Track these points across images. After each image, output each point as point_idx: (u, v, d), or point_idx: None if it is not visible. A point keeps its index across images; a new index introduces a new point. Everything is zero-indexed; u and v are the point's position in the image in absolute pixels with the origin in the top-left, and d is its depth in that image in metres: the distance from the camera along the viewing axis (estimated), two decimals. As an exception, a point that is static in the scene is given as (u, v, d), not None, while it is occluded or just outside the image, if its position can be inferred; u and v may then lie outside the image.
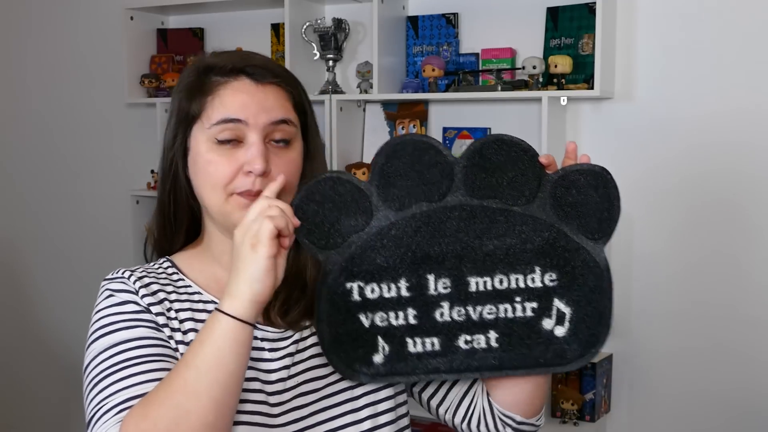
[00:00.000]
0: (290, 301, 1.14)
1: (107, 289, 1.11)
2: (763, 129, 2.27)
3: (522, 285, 1.07)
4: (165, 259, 1.18)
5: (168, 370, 1.01)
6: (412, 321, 1.07)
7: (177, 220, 1.18)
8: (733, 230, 2.32)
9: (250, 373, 1.08)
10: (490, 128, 2.60)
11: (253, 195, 1.07)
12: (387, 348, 1.07)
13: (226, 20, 3.00)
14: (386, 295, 1.06)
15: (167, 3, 2.91)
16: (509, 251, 1.06)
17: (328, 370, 1.13)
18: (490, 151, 1.05)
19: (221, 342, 0.96)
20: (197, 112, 1.11)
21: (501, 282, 1.07)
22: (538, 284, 1.07)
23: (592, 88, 2.30)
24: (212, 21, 3.04)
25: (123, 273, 1.12)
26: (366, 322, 1.06)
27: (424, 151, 1.05)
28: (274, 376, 1.11)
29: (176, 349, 1.08)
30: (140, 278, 1.11)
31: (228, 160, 1.08)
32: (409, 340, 1.07)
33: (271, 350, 1.12)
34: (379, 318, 1.07)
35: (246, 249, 0.97)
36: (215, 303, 1.11)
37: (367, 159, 2.76)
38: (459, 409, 1.22)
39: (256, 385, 1.09)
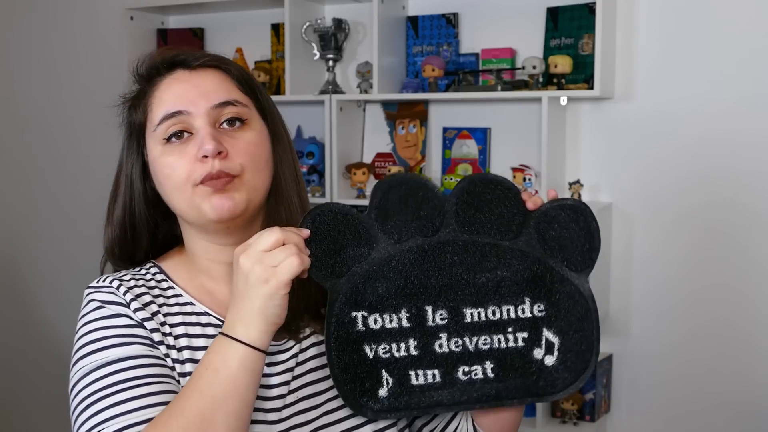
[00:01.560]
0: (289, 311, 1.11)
1: (94, 300, 1.05)
2: (764, 129, 2.27)
3: (513, 315, 1.11)
4: (152, 264, 1.13)
5: (166, 392, 0.97)
6: (413, 352, 1.09)
7: (135, 237, 1.13)
8: (733, 230, 2.32)
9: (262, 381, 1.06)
10: (490, 128, 2.60)
11: (214, 177, 1.03)
12: (391, 381, 1.09)
13: (226, 20, 3.00)
14: (388, 325, 1.08)
15: (167, 3, 2.91)
16: (500, 283, 1.10)
17: (328, 384, 1.11)
18: (477, 189, 1.09)
19: (237, 371, 0.93)
20: (142, 119, 1.08)
21: (494, 313, 1.10)
22: (528, 315, 1.11)
23: (592, 88, 2.30)
24: (212, 21, 3.04)
25: (111, 282, 1.06)
26: (370, 354, 1.08)
27: (417, 189, 1.08)
28: (273, 392, 1.07)
29: (173, 368, 1.03)
30: (130, 288, 1.05)
31: (181, 156, 1.04)
32: (411, 373, 1.09)
33: (269, 365, 1.08)
34: (382, 349, 1.08)
35: (259, 280, 0.93)
36: (209, 315, 1.08)
37: (367, 159, 2.76)
38: (446, 431, 1.20)
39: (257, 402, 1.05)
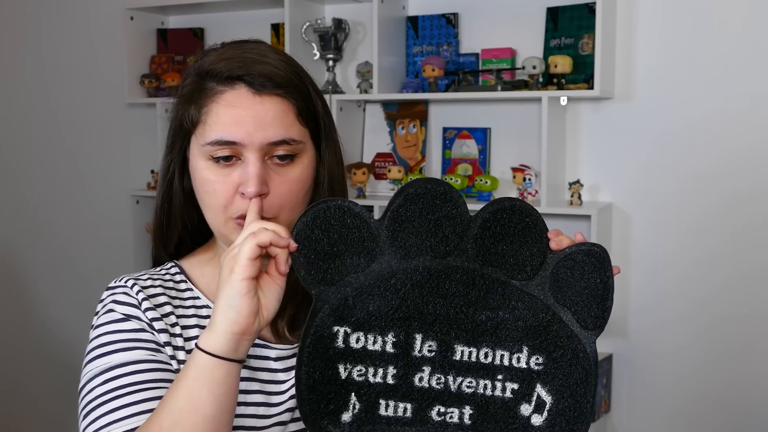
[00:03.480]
0: (299, 314, 1.10)
1: (110, 302, 1.06)
2: (764, 129, 2.27)
3: (506, 362, 1.01)
4: (173, 264, 1.13)
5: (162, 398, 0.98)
6: (390, 381, 1.00)
7: (170, 227, 1.13)
8: (733, 230, 2.32)
9: (259, 398, 1.06)
10: (490, 128, 2.60)
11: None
12: (358, 406, 0.99)
13: (226, 20, 3.00)
14: (370, 347, 0.99)
15: (167, 3, 2.91)
16: (500, 325, 1.01)
17: None
18: (504, 217, 1.00)
19: (194, 383, 0.89)
20: (193, 123, 1.04)
21: (486, 356, 1.01)
22: (523, 365, 1.01)
23: (592, 88, 2.30)
24: (212, 21, 3.04)
25: (126, 282, 1.06)
26: (343, 374, 0.98)
27: (444, 201, 0.99)
28: (286, 396, 1.07)
29: (177, 370, 1.02)
30: (145, 288, 1.06)
31: (224, 180, 1.01)
32: (381, 402, 1.00)
33: (285, 370, 1.08)
34: (357, 371, 0.99)
35: (225, 273, 0.90)
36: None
37: (367, 159, 2.76)
38: None
39: (272, 410, 1.06)
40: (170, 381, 1.00)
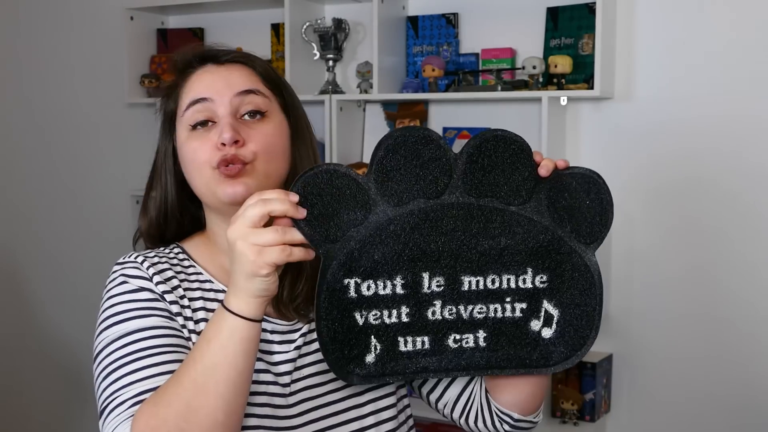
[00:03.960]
0: (298, 292, 1.15)
1: (121, 275, 1.11)
2: (764, 129, 2.27)
3: (513, 285, 1.07)
4: (175, 245, 1.19)
5: (180, 361, 1.02)
6: (405, 319, 1.06)
7: (168, 219, 1.20)
8: (734, 230, 2.32)
9: (261, 365, 1.10)
10: (489, 128, 2.59)
11: (229, 162, 1.08)
12: (379, 347, 1.06)
13: (226, 20, 3.00)
14: (381, 292, 1.05)
15: (167, 3, 2.91)
16: (503, 251, 1.06)
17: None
18: (489, 148, 1.05)
19: (227, 341, 0.96)
20: (174, 106, 1.16)
21: (493, 282, 1.07)
22: (529, 285, 1.08)
23: (592, 88, 2.30)
24: (212, 21, 3.04)
25: (136, 258, 1.12)
26: (360, 320, 1.05)
27: (425, 145, 1.03)
28: (282, 368, 1.13)
29: (189, 339, 1.08)
30: (154, 264, 1.12)
31: (203, 141, 1.11)
32: (400, 339, 1.06)
33: (280, 343, 1.13)
34: (372, 316, 1.05)
35: (242, 256, 0.95)
36: (223, 288, 1.14)
37: (367, 159, 2.76)
38: (457, 404, 1.23)
39: (269, 377, 1.11)
40: (185, 347, 1.06)
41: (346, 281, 1.03)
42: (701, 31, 2.32)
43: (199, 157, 1.11)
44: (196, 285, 1.14)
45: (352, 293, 1.04)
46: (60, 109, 3.32)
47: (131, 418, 0.96)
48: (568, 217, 1.07)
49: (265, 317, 1.11)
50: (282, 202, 0.97)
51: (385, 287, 1.05)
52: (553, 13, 2.47)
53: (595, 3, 2.31)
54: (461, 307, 1.07)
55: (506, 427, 1.21)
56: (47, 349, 3.44)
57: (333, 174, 1.02)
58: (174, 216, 1.19)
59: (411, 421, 1.25)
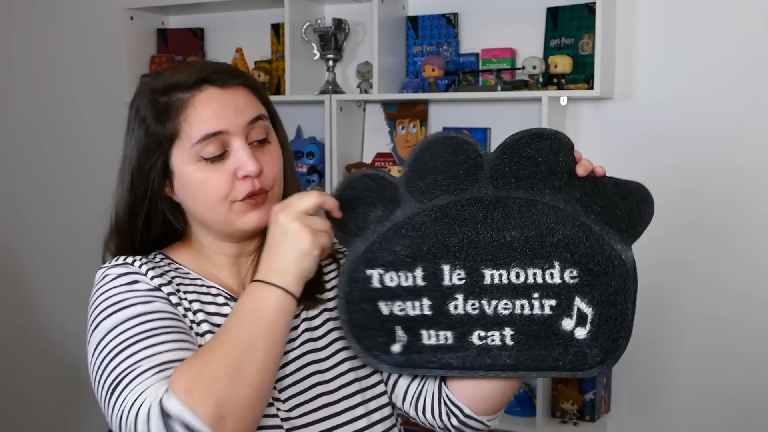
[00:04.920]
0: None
1: (110, 273, 1.11)
2: (764, 128, 2.27)
3: (540, 280, 1.04)
4: (156, 253, 1.18)
5: (193, 342, 1.04)
6: (427, 312, 1.06)
7: (149, 237, 1.17)
8: (734, 229, 2.32)
9: None
10: (490, 128, 2.60)
11: (257, 194, 1.10)
12: (405, 338, 1.07)
13: (226, 20, 3.00)
14: (403, 283, 1.06)
15: (167, 3, 2.91)
16: (528, 243, 1.03)
17: (325, 353, 1.15)
18: (524, 143, 1.05)
19: (274, 312, 1.01)
20: (172, 133, 1.10)
21: (518, 276, 1.04)
22: (557, 281, 1.03)
23: (592, 88, 2.30)
24: (212, 21, 3.04)
25: (125, 260, 1.12)
26: (386, 310, 1.07)
27: (454, 146, 1.05)
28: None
29: (191, 328, 1.08)
30: (145, 262, 1.12)
31: (219, 173, 1.09)
32: (423, 332, 1.07)
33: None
34: (397, 307, 1.07)
35: (298, 236, 1.02)
36: (217, 288, 1.15)
37: (367, 159, 2.76)
38: (407, 394, 1.22)
39: None
40: (189, 333, 1.06)
41: (368, 272, 1.07)
42: (701, 31, 2.32)
43: (216, 190, 1.10)
44: (188, 281, 1.14)
45: (376, 283, 1.07)
46: (60, 109, 3.32)
47: (164, 380, 0.97)
48: (602, 210, 1.03)
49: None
50: (332, 199, 1.07)
51: (407, 279, 1.07)
52: (553, 13, 2.47)
53: (595, 3, 2.31)
54: (484, 302, 1.05)
55: (454, 422, 1.19)
56: (47, 349, 3.44)
57: (371, 178, 1.07)
58: (156, 234, 1.18)
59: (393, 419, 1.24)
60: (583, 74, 2.39)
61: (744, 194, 2.30)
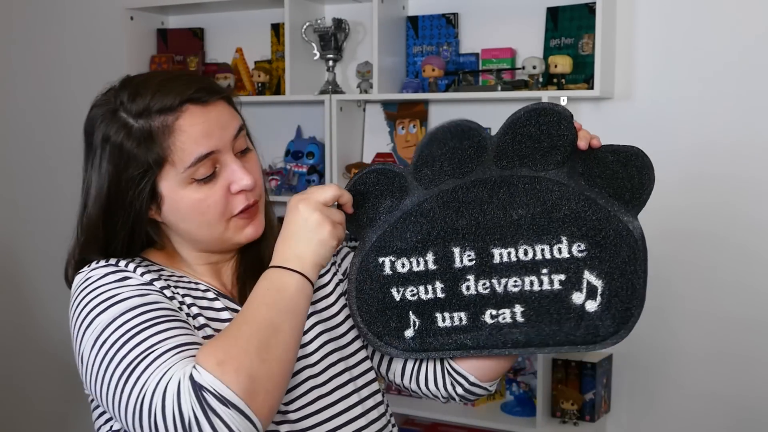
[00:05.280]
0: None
1: (97, 274, 1.06)
2: (764, 129, 2.27)
3: (548, 256, 1.04)
4: (131, 260, 1.13)
5: (195, 331, 1.04)
6: (440, 294, 1.07)
7: (129, 250, 1.13)
8: (734, 230, 2.32)
9: None
10: (489, 128, 2.59)
11: (252, 206, 1.11)
12: (418, 323, 1.08)
13: (226, 20, 3.00)
14: (415, 269, 1.08)
15: (167, 3, 2.90)
16: (534, 220, 1.04)
17: (312, 347, 1.14)
18: (524, 119, 1.07)
19: (296, 294, 1.02)
20: (161, 158, 1.06)
21: (526, 253, 1.04)
22: (566, 255, 1.03)
23: (592, 88, 2.30)
24: (212, 21, 3.04)
25: (108, 261, 1.08)
26: (397, 296, 1.08)
27: (458, 131, 1.08)
28: None
29: (186, 322, 1.06)
30: (130, 261, 1.09)
31: (213, 192, 1.09)
32: (438, 315, 1.08)
33: None
34: (409, 292, 1.08)
35: (318, 225, 1.04)
36: (205, 284, 1.14)
37: (367, 159, 2.76)
38: (405, 369, 1.24)
39: None
40: (190, 324, 1.05)
41: (380, 260, 1.09)
42: (701, 30, 2.32)
43: (213, 210, 1.09)
44: (174, 279, 1.12)
45: (388, 270, 1.09)
46: (60, 109, 3.32)
47: (188, 359, 0.95)
48: (605, 183, 1.03)
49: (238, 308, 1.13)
50: (348, 193, 1.10)
51: (418, 264, 1.08)
52: (553, 13, 2.47)
53: (595, 3, 2.31)
54: (494, 281, 1.05)
55: (459, 390, 1.21)
56: (47, 349, 3.44)
57: (377, 172, 1.10)
58: (131, 250, 1.14)
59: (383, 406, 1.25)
60: (583, 74, 2.39)
61: (744, 192, 2.30)
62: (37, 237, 3.45)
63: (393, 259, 1.08)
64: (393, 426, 1.22)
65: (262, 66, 2.83)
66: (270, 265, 1.06)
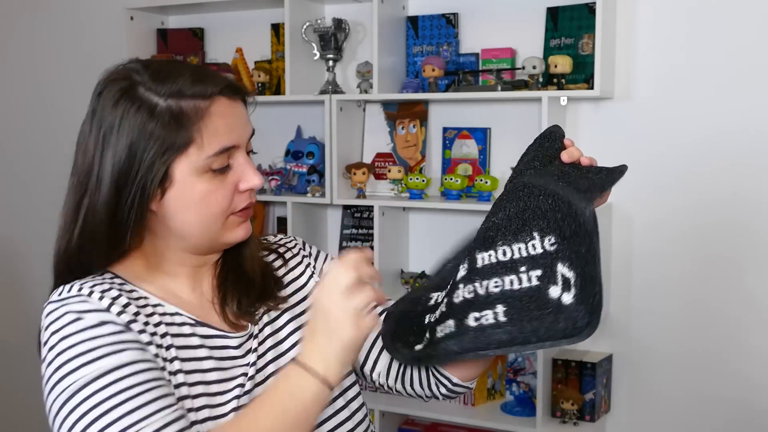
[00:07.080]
0: (243, 300, 1.16)
1: (69, 312, 1.00)
2: (764, 128, 2.27)
3: (524, 254, 1.05)
4: (105, 272, 1.09)
5: (171, 394, 0.98)
6: (443, 309, 1.11)
7: (121, 240, 1.08)
8: (733, 230, 2.32)
9: (235, 383, 1.09)
10: (490, 128, 2.60)
11: (250, 207, 1.12)
12: (427, 339, 1.11)
13: (226, 20, 3.00)
14: (439, 300, 1.15)
15: (167, 3, 2.91)
16: (510, 221, 1.07)
17: (288, 356, 1.15)
18: (534, 144, 1.17)
19: (311, 403, 0.98)
20: (185, 141, 1.04)
21: (504, 253, 1.06)
22: (540, 250, 1.04)
23: (592, 88, 2.30)
24: (212, 21, 3.04)
25: (80, 291, 1.02)
26: (425, 321, 1.14)
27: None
28: (250, 373, 1.12)
29: (163, 368, 1.02)
30: (104, 292, 1.02)
31: (223, 186, 1.07)
32: (438, 328, 1.10)
33: (243, 355, 1.13)
34: (433, 317, 1.13)
35: (341, 324, 0.97)
36: (181, 315, 1.09)
37: (367, 159, 2.76)
38: (390, 370, 1.25)
39: (237, 390, 1.09)
40: (165, 379, 1.00)
41: (430, 295, 1.19)
42: (701, 30, 2.32)
43: (219, 203, 1.07)
44: (150, 310, 1.06)
45: (432, 302, 1.16)
46: (60, 109, 3.32)
47: None
48: (573, 180, 1.09)
49: (225, 334, 1.12)
50: (368, 264, 0.99)
51: (438, 297, 1.17)
52: (553, 13, 2.47)
53: (595, 3, 2.31)
54: (477, 284, 1.06)
55: (443, 390, 1.24)
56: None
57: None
58: (121, 243, 1.08)
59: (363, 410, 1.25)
60: (583, 74, 2.39)
61: (744, 193, 2.30)
62: (37, 237, 3.44)
63: (434, 294, 1.19)
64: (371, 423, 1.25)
65: (262, 66, 2.83)
66: (297, 358, 0.99)
